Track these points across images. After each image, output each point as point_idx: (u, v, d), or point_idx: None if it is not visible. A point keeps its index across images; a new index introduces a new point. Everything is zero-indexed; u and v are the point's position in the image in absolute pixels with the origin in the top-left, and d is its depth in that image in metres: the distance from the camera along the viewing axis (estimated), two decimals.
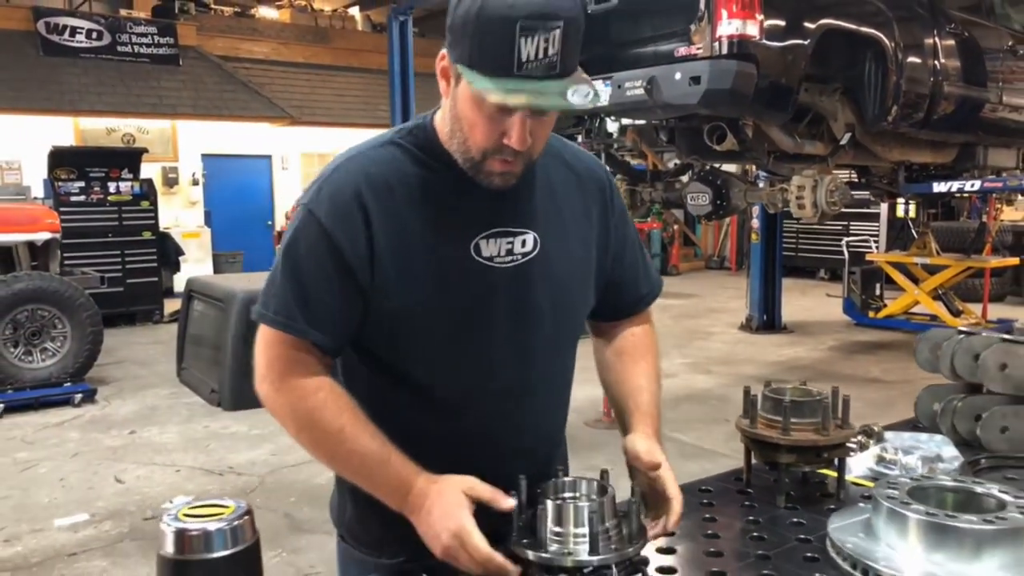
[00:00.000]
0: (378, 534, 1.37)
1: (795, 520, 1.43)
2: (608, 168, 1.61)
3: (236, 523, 1.01)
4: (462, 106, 1.18)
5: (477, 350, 1.29)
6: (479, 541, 1.12)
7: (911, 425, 1.93)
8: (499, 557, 1.12)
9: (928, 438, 1.75)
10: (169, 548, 0.99)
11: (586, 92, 1.11)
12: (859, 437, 1.71)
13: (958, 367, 1.80)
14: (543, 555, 1.12)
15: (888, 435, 1.76)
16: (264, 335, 1.27)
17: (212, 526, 1.00)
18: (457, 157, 1.24)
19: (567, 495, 1.23)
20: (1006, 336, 1.77)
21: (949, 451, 1.67)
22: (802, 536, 1.36)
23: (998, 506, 1.22)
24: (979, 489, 1.28)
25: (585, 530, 1.13)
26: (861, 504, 1.36)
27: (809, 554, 1.29)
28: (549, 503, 1.16)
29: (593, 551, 1.12)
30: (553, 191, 1.35)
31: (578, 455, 1.29)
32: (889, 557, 1.18)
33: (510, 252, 1.28)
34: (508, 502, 1.16)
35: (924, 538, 1.17)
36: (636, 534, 1.17)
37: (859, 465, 1.66)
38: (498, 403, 1.32)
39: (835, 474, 1.55)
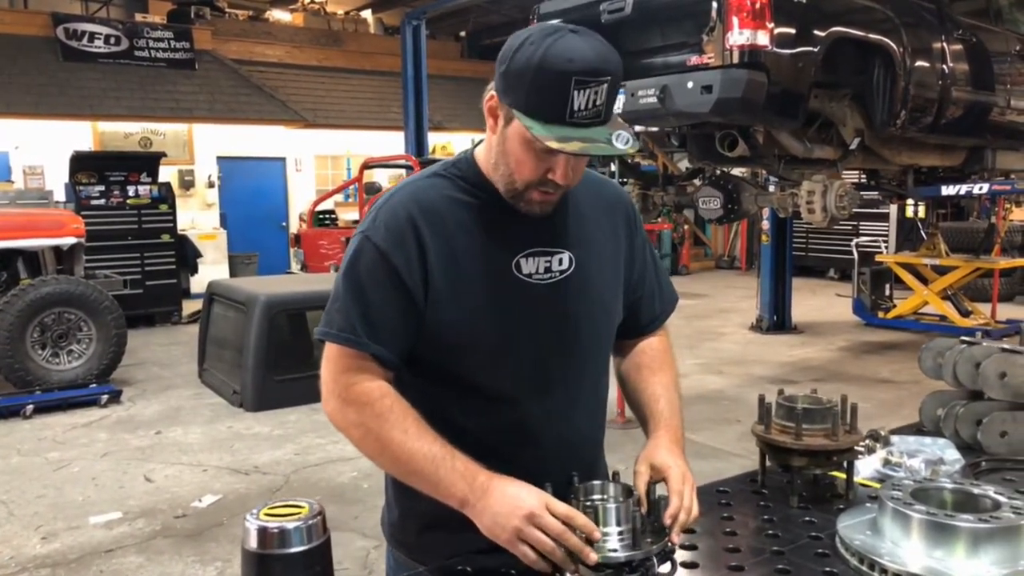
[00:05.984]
0: (417, 537, 1.49)
1: (807, 519, 1.53)
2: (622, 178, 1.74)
3: (311, 522, 1.13)
4: (511, 144, 1.30)
5: (523, 356, 1.41)
6: (562, 505, 1.21)
7: (916, 429, 2.03)
8: (581, 515, 1.20)
9: (932, 442, 1.85)
10: (252, 543, 1.12)
11: (627, 138, 1.23)
12: (866, 441, 1.83)
13: (960, 375, 1.91)
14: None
15: (894, 439, 1.87)
16: (329, 353, 1.37)
17: (290, 524, 1.12)
18: (500, 187, 1.37)
19: (596, 497, 1.33)
20: (1005, 346, 1.88)
21: (951, 454, 1.78)
22: (813, 534, 1.46)
23: (993, 506, 1.33)
24: (976, 491, 1.38)
25: (626, 528, 1.24)
26: (868, 504, 1.47)
27: (820, 550, 1.39)
28: (599, 504, 1.26)
29: (636, 546, 1.23)
30: (584, 215, 1.48)
31: None
32: (893, 553, 1.28)
33: (548, 269, 1.41)
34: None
35: (926, 536, 1.27)
36: (663, 528, 1.29)
37: (867, 467, 1.76)
38: (543, 404, 1.44)
39: (844, 476, 1.65)
